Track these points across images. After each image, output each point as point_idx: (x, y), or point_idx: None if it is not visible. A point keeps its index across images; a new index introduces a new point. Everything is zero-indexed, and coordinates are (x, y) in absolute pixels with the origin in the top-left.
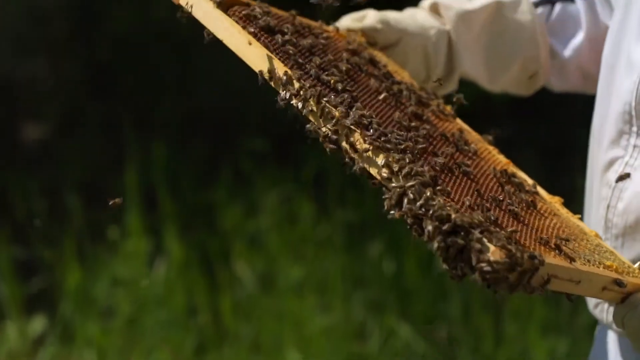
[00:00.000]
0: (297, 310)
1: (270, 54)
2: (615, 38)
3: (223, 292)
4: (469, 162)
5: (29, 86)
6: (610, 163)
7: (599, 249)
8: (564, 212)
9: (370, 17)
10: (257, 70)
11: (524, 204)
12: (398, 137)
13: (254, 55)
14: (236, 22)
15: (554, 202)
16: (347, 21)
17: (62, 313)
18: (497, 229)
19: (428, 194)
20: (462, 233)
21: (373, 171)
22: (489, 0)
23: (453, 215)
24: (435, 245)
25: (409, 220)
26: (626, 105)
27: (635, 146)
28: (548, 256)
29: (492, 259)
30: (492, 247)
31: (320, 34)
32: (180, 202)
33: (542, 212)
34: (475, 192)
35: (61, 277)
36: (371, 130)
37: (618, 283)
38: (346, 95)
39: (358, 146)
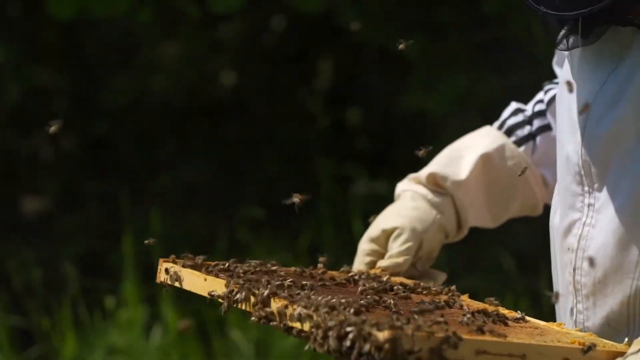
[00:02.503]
0: None
1: (219, 278)
2: (562, 112)
3: None
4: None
5: (29, 160)
6: (569, 228)
7: (578, 337)
8: (559, 328)
9: (390, 257)
10: (206, 294)
11: (481, 321)
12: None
13: (208, 285)
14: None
15: (553, 325)
16: (360, 266)
17: None
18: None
19: (330, 316)
20: (353, 330)
21: (297, 324)
22: (476, 157)
23: (345, 320)
24: (332, 346)
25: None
26: (575, 167)
27: (589, 205)
28: (473, 335)
29: (381, 340)
30: (380, 333)
31: (323, 278)
32: None
33: (512, 327)
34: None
35: (58, 346)
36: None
37: (584, 350)
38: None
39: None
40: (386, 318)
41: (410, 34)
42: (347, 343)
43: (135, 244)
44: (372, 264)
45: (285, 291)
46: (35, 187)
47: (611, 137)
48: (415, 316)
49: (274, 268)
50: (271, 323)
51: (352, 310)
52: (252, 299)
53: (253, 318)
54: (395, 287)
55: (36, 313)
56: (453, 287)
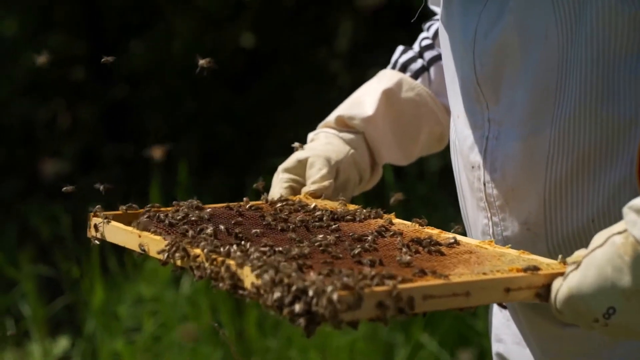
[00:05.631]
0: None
1: (152, 234)
2: (448, 41)
3: (248, 310)
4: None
5: (47, 126)
6: (472, 145)
7: (514, 261)
8: (492, 248)
9: (314, 182)
10: (137, 248)
11: (419, 255)
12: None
13: (141, 240)
14: (135, 228)
15: (484, 244)
16: (280, 192)
17: (86, 331)
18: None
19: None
20: (301, 294)
21: (248, 281)
22: (378, 94)
23: (292, 284)
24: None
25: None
26: (471, 85)
27: (490, 119)
28: (418, 281)
29: (335, 300)
30: (335, 294)
31: (245, 211)
32: None
33: (447, 255)
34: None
35: (86, 296)
36: (234, 248)
37: (529, 269)
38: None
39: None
40: (332, 273)
41: None
42: (296, 308)
43: (162, 197)
44: (290, 191)
45: (222, 248)
46: (55, 151)
47: (499, 48)
48: (365, 269)
49: (201, 213)
50: (215, 283)
51: (294, 266)
52: (191, 257)
53: (195, 278)
54: (324, 218)
55: (64, 262)
56: (380, 210)
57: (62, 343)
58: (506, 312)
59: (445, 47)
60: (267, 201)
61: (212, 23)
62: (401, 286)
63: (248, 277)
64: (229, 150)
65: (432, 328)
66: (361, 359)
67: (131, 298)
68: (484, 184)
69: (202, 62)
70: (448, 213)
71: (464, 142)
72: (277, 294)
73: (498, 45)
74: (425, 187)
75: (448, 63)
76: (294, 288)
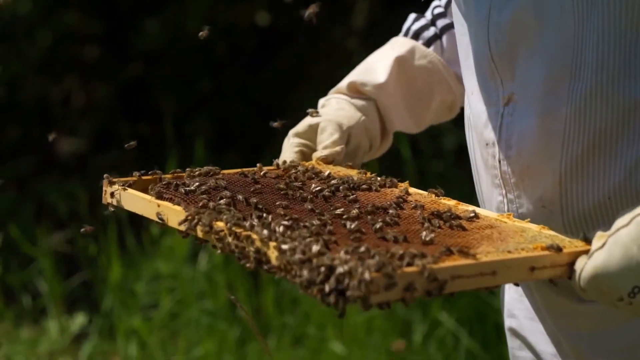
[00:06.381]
0: None
1: (171, 204)
2: (462, 17)
3: (265, 287)
4: (379, 220)
5: (62, 105)
6: (487, 122)
7: (536, 237)
8: (511, 222)
9: (325, 147)
10: (154, 217)
11: (441, 230)
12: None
13: (160, 209)
14: (153, 196)
15: (503, 217)
16: (290, 156)
17: (104, 308)
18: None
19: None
20: (330, 273)
21: (273, 255)
22: (390, 61)
23: (322, 264)
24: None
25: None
26: (486, 61)
27: (504, 96)
28: (445, 261)
29: (367, 278)
30: (366, 273)
31: (259, 177)
32: None
33: (469, 230)
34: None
35: (103, 272)
36: (252, 221)
37: (553, 248)
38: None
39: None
40: (358, 250)
41: None
42: (326, 288)
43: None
44: (300, 155)
45: (245, 222)
46: (69, 129)
47: (513, 24)
48: (392, 246)
49: (218, 179)
50: (240, 260)
51: (320, 242)
52: (213, 230)
53: (218, 251)
54: (340, 187)
55: (82, 239)
56: (395, 179)
57: (79, 319)
58: (519, 288)
59: (458, 22)
60: (278, 166)
61: (227, 1)
62: (431, 267)
63: (274, 253)
64: (244, 129)
65: (450, 305)
66: (379, 336)
67: (148, 275)
68: (499, 161)
69: (310, 10)
70: (464, 191)
71: (478, 119)
72: (305, 273)
73: (512, 21)
74: (441, 165)
75: (462, 38)
76: (322, 268)
